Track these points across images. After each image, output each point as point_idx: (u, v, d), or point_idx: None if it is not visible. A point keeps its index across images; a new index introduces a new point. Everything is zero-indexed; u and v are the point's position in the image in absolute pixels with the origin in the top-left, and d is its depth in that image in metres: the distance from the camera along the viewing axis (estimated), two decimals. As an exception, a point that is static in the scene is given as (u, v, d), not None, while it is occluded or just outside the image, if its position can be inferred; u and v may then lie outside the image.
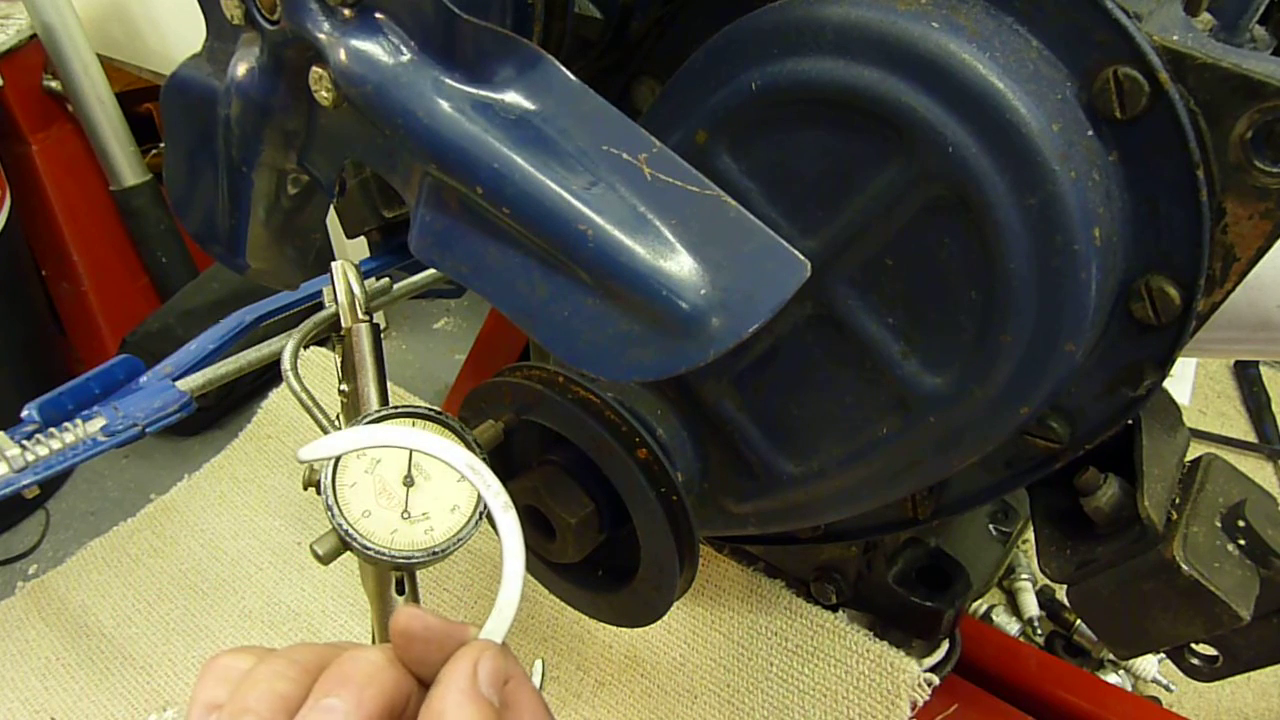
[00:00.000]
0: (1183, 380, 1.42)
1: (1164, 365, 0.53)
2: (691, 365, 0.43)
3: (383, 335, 1.03)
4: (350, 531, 0.52)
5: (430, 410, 0.58)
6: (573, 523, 0.63)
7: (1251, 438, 1.37)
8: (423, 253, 0.51)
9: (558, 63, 0.46)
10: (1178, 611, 0.58)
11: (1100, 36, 0.46)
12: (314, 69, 0.50)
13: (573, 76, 0.46)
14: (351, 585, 1.03)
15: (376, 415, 0.57)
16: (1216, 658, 0.66)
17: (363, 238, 0.92)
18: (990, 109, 0.46)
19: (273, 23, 0.52)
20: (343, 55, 0.49)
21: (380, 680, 0.38)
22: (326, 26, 0.49)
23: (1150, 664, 0.99)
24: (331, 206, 0.71)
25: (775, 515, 0.66)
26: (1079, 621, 1.05)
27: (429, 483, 0.55)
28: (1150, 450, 0.61)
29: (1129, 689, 0.99)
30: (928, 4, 0.48)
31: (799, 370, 0.59)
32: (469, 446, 0.58)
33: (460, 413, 0.67)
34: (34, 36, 1.37)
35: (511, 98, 0.47)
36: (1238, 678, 0.67)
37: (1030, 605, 1.08)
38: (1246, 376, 1.44)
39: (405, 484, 0.55)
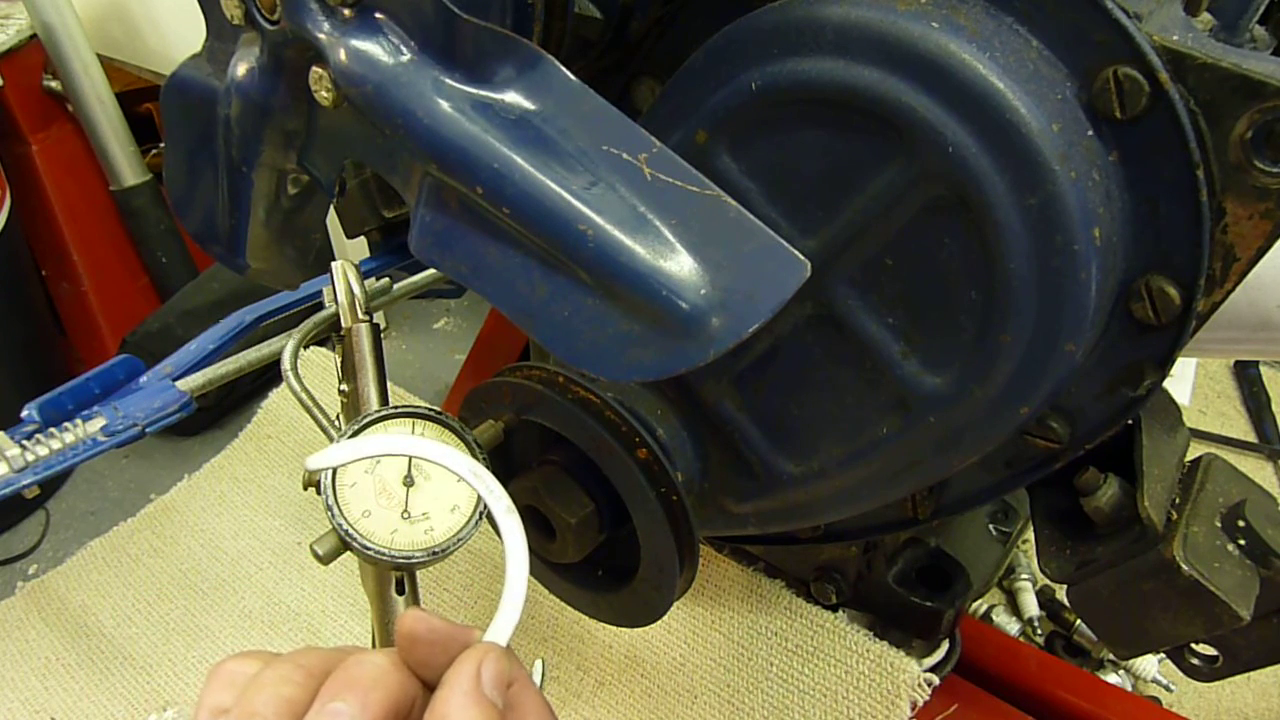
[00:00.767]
0: (1183, 380, 1.42)
1: (1164, 365, 0.53)
2: (691, 365, 0.43)
3: (383, 335, 1.03)
4: (350, 531, 0.52)
5: (430, 410, 0.58)
6: (573, 523, 0.63)
7: (1251, 438, 1.37)
8: (423, 253, 0.51)
9: (558, 63, 0.46)
10: (1178, 611, 0.58)
11: (1100, 36, 0.46)
12: (314, 69, 0.50)
13: (573, 76, 0.46)
14: (351, 585, 1.03)
15: (376, 415, 0.57)
16: (1216, 658, 0.66)
17: (363, 238, 0.92)
18: (990, 109, 0.46)
19: (273, 23, 0.52)
20: (343, 55, 0.49)
21: (386, 683, 0.38)
22: (326, 26, 0.49)
23: (1150, 664, 0.99)
24: (331, 206, 0.71)
25: (775, 515, 0.66)
26: (1079, 621, 1.05)
27: (429, 483, 0.55)
28: (1150, 450, 0.61)
29: (1129, 689, 0.99)
30: (928, 4, 0.48)
31: (799, 370, 0.59)
32: (469, 446, 0.58)
33: (460, 413, 0.67)
34: (34, 36, 1.37)
35: (511, 98, 0.47)
36: (1238, 678, 0.67)
37: (1030, 605, 1.08)
38: (1246, 376, 1.44)
39: (405, 484, 0.55)
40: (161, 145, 1.11)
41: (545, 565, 0.71)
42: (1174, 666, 0.67)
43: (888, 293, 0.54)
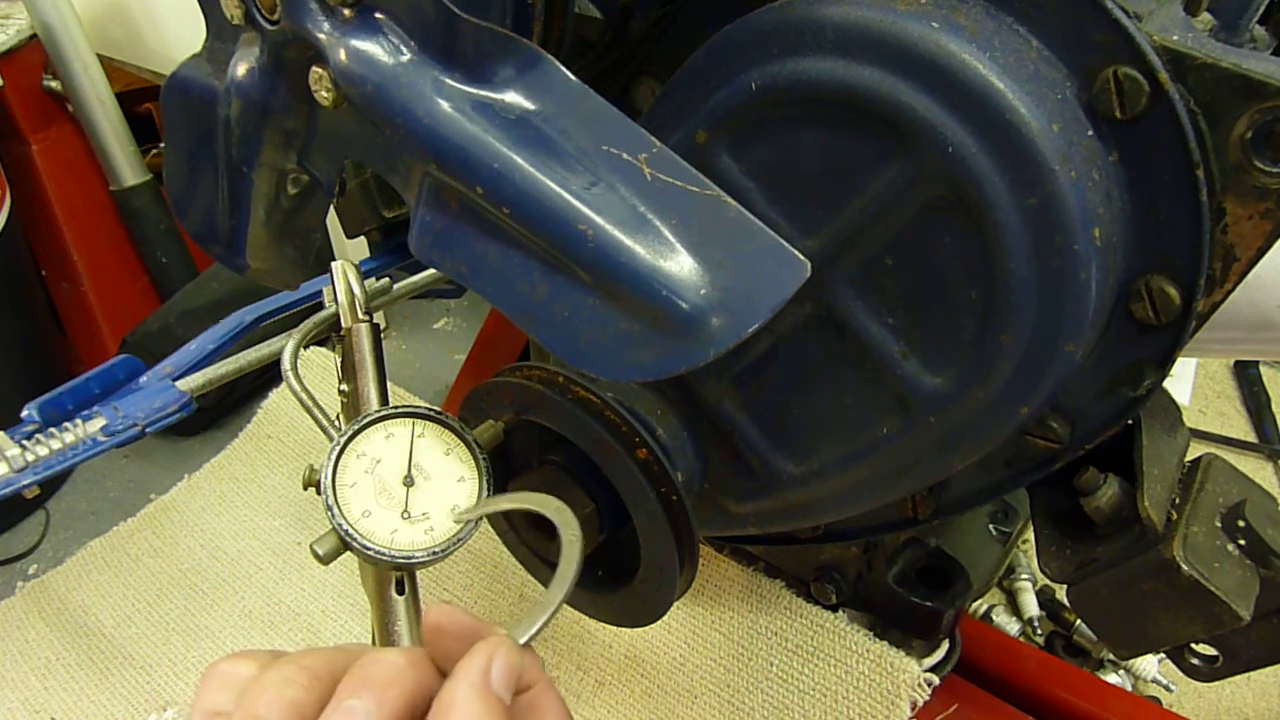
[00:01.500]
0: (1183, 380, 1.42)
1: (1164, 365, 0.53)
2: (691, 365, 0.43)
3: (383, 335, 1.03)
4: (350, 531, 0.52)
5: (430, 410, 0.58)
6: (573, 523, 0.63)
7: (1251, 438, 1.37)
8: (423, 253, 0.51)
9: (558, 63, 0.46)
10: (1178, 611, 0.58)
11: (1100, 36, 0.46)
12: (314, 69, 0.50)
13: (573, 76, 0.46)
14: (351, 585, 1.03)
15: (376, 415, 0.57)
16: (1216, 658, 0.65)
17: (363, 238, 0.92)
18: (990, 109, 0.46)
19: (273, 23, 0.52)
20: (343, 55, 0.49)
21: (402, 682, 0.38)
22: (326, 26, 0.49)
23: (1150, 664, 0.99)
24: (331, 206, 0.71)
25: (775, 515, 0.66)
26: (1079, 621, 1.05)
27: (429, 483, 0.55)
28: (1150, 450, 0.61)
29: (1129, 689, 1.00)
30: (928, 4, 0.48)
31: (799, 370, 0.59)
32: (469, 446, 0.58)
33: (460, 413, 0.67)
34: (34, 36, 1.37)
35: (511, 98, 0.47)
36: (1238, 678, 0.67)
37: (1030, 605, 1.08)
38: (1246, 376, 1.44)
39: (405, 484, 0.55)
40: (161, 145, 1.11)
41: (545, 565, 0.71)
42: (1174, 666, 0.67)
43: (888, 293, 0.54)
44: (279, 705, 0.36)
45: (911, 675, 0.82)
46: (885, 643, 0.85)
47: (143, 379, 0.75)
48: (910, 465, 0.58)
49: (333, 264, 0.67)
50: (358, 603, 1.02)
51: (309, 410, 0.66)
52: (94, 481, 1.39)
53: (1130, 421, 0.59)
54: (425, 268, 0.90)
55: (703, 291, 0.43)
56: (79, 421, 0.69)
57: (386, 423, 0.57)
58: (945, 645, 0.86)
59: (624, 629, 0.91)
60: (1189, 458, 0.65)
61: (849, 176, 0.51)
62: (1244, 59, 0.45)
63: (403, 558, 0.53)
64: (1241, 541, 0.59)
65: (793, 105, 0.51)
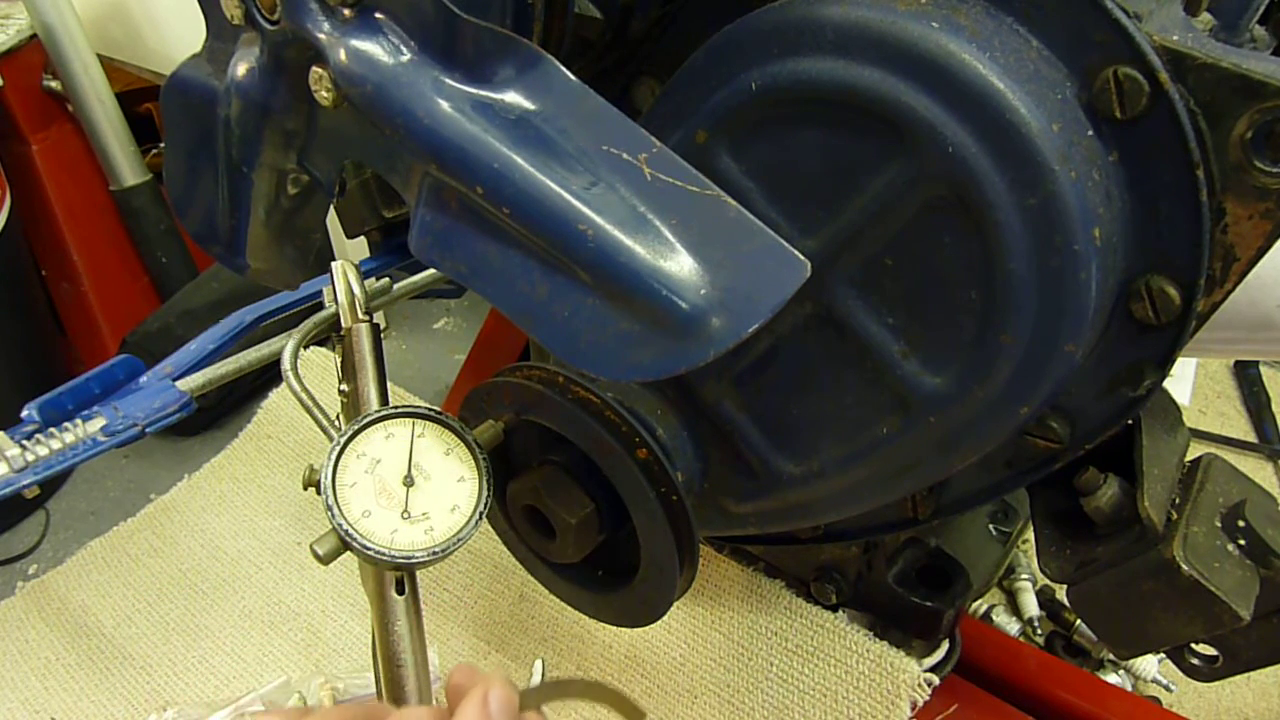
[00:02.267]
0: (1183, 380, 1.42)
1: (1164, 365, 0.53)
2: (691, 365, 0.43)
3: (383, 335, 1.03)
4: (350, 531, 0.52)
5: (430, 410, 0.58)
6: (573, 523, 0.63)
7: (1251, 438, 1.37)
8: (423, 253, 0.51)
9: (558, 63, 0.46)
10: (1178, 611, 0.58)
11: (1100, 36, 0.46)
12: (314, 69, 0.50)
13: (573, 76, 0.46)
14: (351, 585, 1.03)
15: (376, 415, 0.57)
16: (1216, 658, 0.65)
17: (363, 238, 0.92)
18: (990, 109, 0.46)
19: (273, 23, 0.52)
20: (343, 55, 0.49)
21: None
22: (326, 26, 0.49)
23: (1150, 664, 0.99)
24: (331, 206, 0.71)
25: (775, 515, 0.66)
26: (1079, 621, 1.05)
27: (429, 483, 0.55)
28: (1150, 450, 0.61)
29: (1129, 689, 1.00)
30: (928, 4, 0.48)
31: (799, 370, 0.59)
32: (469, 446, 0.58)
33: (460, 413, 0.67)
34: (34, 36, 1.37)
35: (511, 98, 0.47)
36: (1238, 678, 0.67)
37: (1030, 605, 1.08)
38: (1246, 376, 1.44)
39: (405, 484, 0.55)
40: (161, 145, 1.11)
41: (546, 565, 0.71)
42: (1174, 666, 0.67)
43: (888, 293, 0.54)
44: None
45: (911, 675, 0.82)
46: (885, 643, 0.85)
47: (143, 379, 0.75)
48: (910, 465, 0.58)
49: (333, 264, 0.67)
50: (358, 603, 1.02)
51: (309, 410, 0.66)
52: (94, 481, 1.39)
53: (1130, 421, 0.59)
54: (425, 268, 0.90)
55: (703, 291, 0.43)
56: (79, 421, 0.69)
57: (386, 423, 0.57)
58: (945, 645, 0.86)
59: (624, 629, 0.91)
60: (1189, 458, 0.65)
61: (849, 176, 0.51)
62: (1244, 59, 0.45)
63: (403, 558, 0.53)
64: (1241, 541, 0.59)
65: (793, 105, 0.51)
